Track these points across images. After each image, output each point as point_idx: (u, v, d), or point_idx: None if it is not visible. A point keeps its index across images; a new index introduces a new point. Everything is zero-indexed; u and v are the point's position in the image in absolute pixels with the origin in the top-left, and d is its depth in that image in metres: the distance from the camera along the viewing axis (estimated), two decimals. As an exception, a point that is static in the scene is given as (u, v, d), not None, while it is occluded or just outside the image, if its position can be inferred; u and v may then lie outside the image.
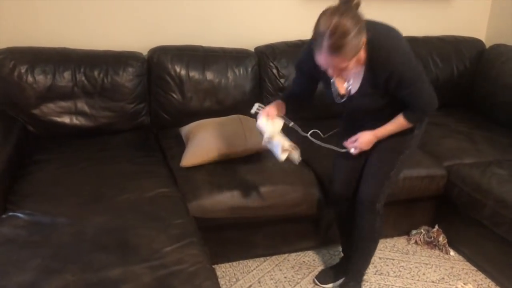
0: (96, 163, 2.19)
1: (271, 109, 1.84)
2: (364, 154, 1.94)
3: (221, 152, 2.27)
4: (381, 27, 1.68)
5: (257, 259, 2.39)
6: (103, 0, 2.59)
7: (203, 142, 2.31)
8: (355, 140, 1.87)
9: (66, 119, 2.46)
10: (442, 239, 2.48)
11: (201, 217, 2.04)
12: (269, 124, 1.81)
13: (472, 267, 2.38)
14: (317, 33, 1.52)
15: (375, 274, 2.33)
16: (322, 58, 1.54)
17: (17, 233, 1.67)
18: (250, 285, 2.22)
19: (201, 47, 2.72)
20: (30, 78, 2.37)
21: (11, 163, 2.07)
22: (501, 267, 2.22)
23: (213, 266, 1.67)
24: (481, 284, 2.28)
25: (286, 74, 2.76)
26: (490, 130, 2.73)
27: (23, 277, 1.46)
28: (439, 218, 2.54)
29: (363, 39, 1.54)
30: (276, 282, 2.25)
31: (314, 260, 2.42)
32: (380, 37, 1.64)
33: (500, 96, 2.81)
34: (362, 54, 1.64)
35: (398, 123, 1.82)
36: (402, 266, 2.37)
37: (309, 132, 1.88)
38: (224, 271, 2.30)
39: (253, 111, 1.89)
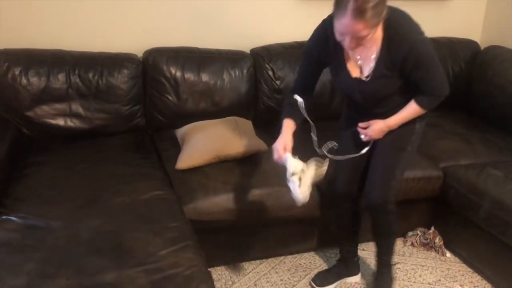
0: (91, 165, 2.17)
1: (286, 139, 1.81)
2: (366, 153, 1.94)
3: (216, 154, 2.26)
4: (396, 8, 1.67)
5: (253, 261, 2.38)
6: (98, 2, 2.58)
7: (198, 144, 2.31)
8: (367, 127, 1.88)
9: (60, 121, 2.44)
10: (438, 240, 2.48)
11: (197, 219, 2.03)
12: (296, 162, 1.77)
13: (469, 269, 2.38)
14: None
15: (371, 276, 2.33)
16: (344, 22, 1.51)
17: (10, 237, 1.65)
18: (246, 288, 2.22)
19: (197, 48, 2.72)
20: (24, 80, 2.36)
21: (5, 166, 2.06)
22: (497, 269, 2.22)
23: (209, 269, 1.66)
24: (478, 286, 2.28)
25: (282, 76, 2.76)
26: (485, 131, 2.74)
27: (17, 281, 1.44)
28: (435, 219, 2.54)
29: (385, 11, 1.54)
30: (272, 285, 2.24)
31: (310, 262, 2.41)
32: (397, 17, 1.66)
33: (496, 97, 2.81)
34: (379, 32, 1.65)
35: (410, 109, 1.82)
36: (399, 268, 2.37)
37: (325, 147, 1.92)
38: (220, 274, 2.29)
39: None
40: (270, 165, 2.27)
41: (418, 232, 2.54)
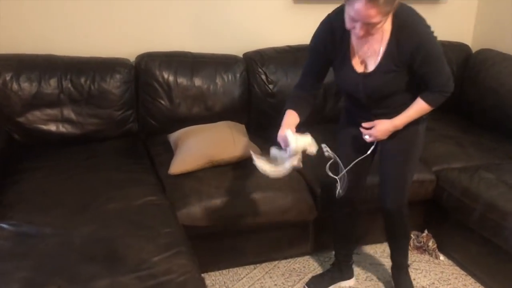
0: (83, 171, 2.16)
1: (289, 123, 1.76)
2: (371, 156, 1.93)
3: (210, 159, 2.25)
4: (404, 3, 1.67)
5: (247, 266, 2.37)
6: (90, 7, 2.57)
7: (191, 149, 2.30)
8: (371, 127, 1.85)
9: (52, 127, 2.43)
10: (431, 244, 2.49)
11: (190, 225, 2.02)
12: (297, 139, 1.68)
13: (462, 272, 2.39)
14: None
15: (365, 280, 2.33)
16: (357, 7, 1.49)
17: (1, 244, 1.64)
18: (240, 293, 2.21)
19: (190, 53, 2.71)
20: (15, 86, 2.34)
21: (-4, 172, 2.04)
22: (490, 272, 2.23)
23: (202, 274, 1.65)
24: (471, 289, 2.29)
25: (275, 80, 2.76)
26: (477, 134, 2.75)
27: (8, 290, 1.43)
28: (429, 223, 2.55)
29: (397, 1, 1.54)
30: (266, 290, 2.24)
31: (304, 266, 2.41)
32: (406, 10, 1.67)
33: (487, 100, 2.83)
34: (387, 25, 1.65)
35: (417, 107, 1.81)
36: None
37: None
38: (214, 279, 2.28)
39: (326, 154, 1.77)
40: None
41: (412, 235, 2.54)
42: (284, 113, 1.83)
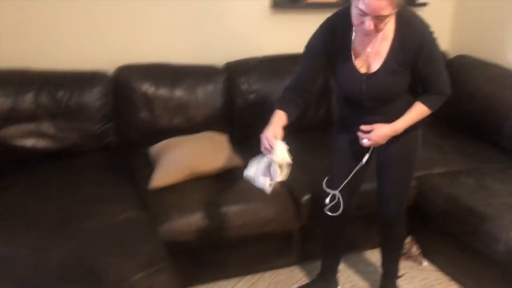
0: (61, 187, 2.11)
1: (276, 129, 1.70)
2: (366, 163, 1.91)
3: (191, 171, 2.23)
4: (405, 4, 1.68)
5: (232, 279, 2.35)
6: (67, 19, 2.54)
7: (172, 161, 2.27)
8: (370, 131, 1.82)
9: (29, 142, 2.37)
10: (415, 249, 2.50)
11: (172, 240, 2.00)
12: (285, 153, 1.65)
13: (446, 277, 2.39)
14: None
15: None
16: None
17: (-26, 268, 1.59)
18: (225, 307, 2.19)
19: (170, 64, 2.69)
20: (-11, 101, 2.30)
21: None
22: (472, 277, 2.24)
23: (186, 289, 1.63)
24: (455, 294, 2.30)
25: (257, 89, 2.75)
26: (457, 139, 2.78)
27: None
28: (412, 228, 2.55)
29: None
30: (251, 302, 2.22)
31: (289, 278, 2.39)
32: (409, 12, 1.69)
33: (466, 106, 2.85)
34: (391, 25, 1.66)
35: (417, 110, 1.80)
36: (376, 280, 2.36)
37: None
38: (198, 294, 2.26)
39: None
40: (245, 180, 2.26)
41: (396, 242, 2.55)
42: (273, 113, 1.79)
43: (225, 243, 2.21)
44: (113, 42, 2.66)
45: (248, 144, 2.65)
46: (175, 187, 2.19)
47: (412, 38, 1.68)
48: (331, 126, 2.82)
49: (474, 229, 2.11)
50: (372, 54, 1.72)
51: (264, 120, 2.78)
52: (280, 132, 1.69)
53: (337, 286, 2.29)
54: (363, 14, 1.54)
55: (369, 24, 1.55)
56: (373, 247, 2.58)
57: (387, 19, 1.56)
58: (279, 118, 1.75)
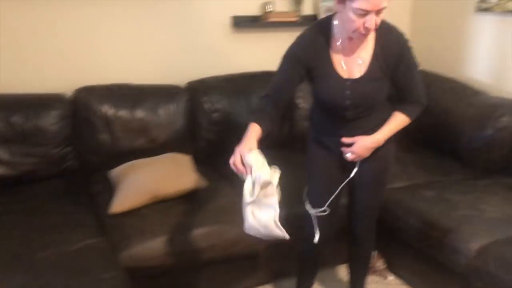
0: (16, 216, 2.03)
1: (251, 143, 1.64)
2: (345, 178, 1.89)
3: (153, 194, 2.19)
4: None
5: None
6: (24, 41, 2.48)
7: (133, 185, 2.23)
8: (351, 144, 1.81)
9: (-18, 170, 2.29)
10: (380, 264, 2.52)
11: (135, 266, 1.94)
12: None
13: (411, 290, 2.42)
14: None
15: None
16: None
17: None
18: (192, 332, 2.14)
19: (130, 85, 2.66)
20: None
21: None
22: (437, 289, 2.27)
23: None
24: (421, 307, 2.32)
25: (220, 108, 2.75)
26: (418, 153, 2.83)
27: None
28: (377, 243, 2.57)
29: None
30: (218, 326, 2.18)
31: (259, 297, 2.37)
32: (384, 21, 1.70)
33: (425, 120, 2.85)
34: (371, 33, 1.68)
35: (397, 120, 1.82)
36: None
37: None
38: (164, 319, 2.20)
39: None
40: (210, 201, 2.24)
41: (361, 256, 2.56)
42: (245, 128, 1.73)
43: (190, 267, 2.17)
44: (71, 64, 2.62)
45: (212, 164, 2.66)
46: (136, 212, 2.15)
47: (393, 45, 1.72)
48: (296, 143, 2.86)
49: (435, 242, 2.14)
50: (354, 62, 1.74)
51: (228, 139, 2.79)
52: (255, 147, 1.64)
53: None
54: (365, 13, 1.55)
55: (372, 20, 1.57)
56: (339, 263, 2.59)
57: (382, 14, 1.59)
58: (253, 131, 1.69)
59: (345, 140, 1.83)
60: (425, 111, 2.86)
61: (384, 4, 1.56)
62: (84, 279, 1.68)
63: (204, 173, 2.41)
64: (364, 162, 1.86)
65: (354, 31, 1.62)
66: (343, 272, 2.55)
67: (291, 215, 2.14)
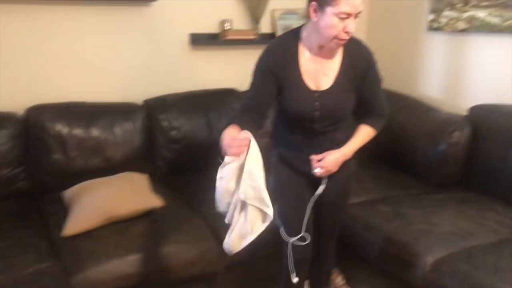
0: (-39, 242, 1.94)
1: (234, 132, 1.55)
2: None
3: (108, 215, 2.13)
4: None
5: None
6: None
7: (88, 205, 2.16)
8: (321, 160, 1.78)
9: None
10: (340, 280, 2.51)
11: (88, 290, 1.88)
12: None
13: (370, 305, 2.44)
14: None
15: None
16: None
17: None
18: None
19: (85, 103, 2.61)
20: None
21: None
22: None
23: None
24: (380, 322, 2.33)
25: (178, 126, 2.72)
26: (374, 168, 2.88)
27: None
28: (336, 259, 2.58)
29: None
30: None
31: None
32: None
33: (381, 135, 2.94)
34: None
35: (363, 132, 1.83)
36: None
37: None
38: None
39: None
40: (167, 221, 2.20)
41: (322, 273, 2.57)
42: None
43: (148, 289, 2.12)
44: (23, 82, 2.54)
45: (170, 183, 2.62)
46: (90, 234, 2.08)
47: (361, 57, 1.76)
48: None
49: (392, 256, 2.17)
50: (322, 73, 1.74)
51: (187, 157, 2.77)
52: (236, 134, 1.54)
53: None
54: (347, 16, 1.57)
55: (353, 24, 1.60)
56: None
57: (358, 18, 1.62)
58: (232, 129, 1.59)
59: (314, 157, 1.80)
60: (382, 127, 2.96)
61: (361, 8, 1.60)
62: (32, 306, 1.60)
63: (161, 192, 2.36)
64: (329, 181, 1.85)
65: (333, 38, 1.62)
66: (303, 289, 2.54)
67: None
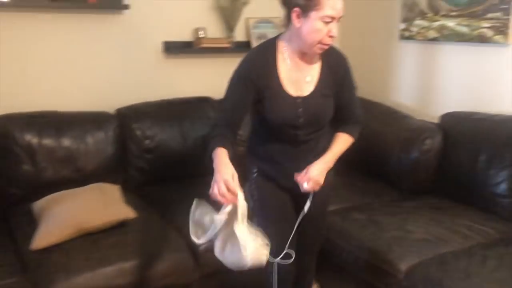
0: None
1: (231, 168, 1.52)
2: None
3: (78, 227, 2.08)
4: None
5: None
6: None
7: (58, 217, 2.11)
8: (305, 174, 1.73)
9: None
10: (316, 288, 2.52)
11: (57, 306, 1.83)
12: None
13: (346, 314, 2.44)
14: None
15: None
16: (338, 2, 1.59)
17: None
18: None
19: (55, 112, 2.56)
20: None
21: None
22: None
23: None
24: (356, 329, 2.33)
25: (152, 135, 2.69)
26: (348, 176, 2.89)
27: None
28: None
29: None
30: None
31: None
32: None
33: (355, 143, 2.99)
34: None
35: (342, 141, 1.81)
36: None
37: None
38: None
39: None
40: (139, 233, 2.16)
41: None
42: (210, 153, 1.60)
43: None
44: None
45: (143, 194, 2.59)
46: (60, 246, 2.03)
47: (339, 63, 1.77)
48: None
49: (366, 264, 2.18)
50: (303, 80, 1.73)
51: (161, 167, 2.74)
52: (234, 171, 1.52)
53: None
54: (331, 20, 1.58)
55: (336, 28, 1.61)
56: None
57: (339, 23, 1.63)
58: (225, 156, 1.57)
59: (299, 178, 1.74)
60: (358, 135, 2.98)
61: (342, 13, 1.61)
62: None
63: (134, 203, 2.33)
64: (304, 196, 1.79)
65: (318, 43, 1.63)
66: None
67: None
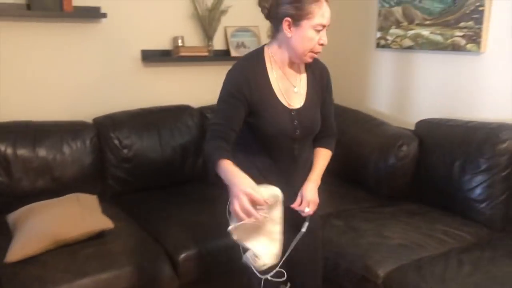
0: None
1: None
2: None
3: (54, 239, 2.05)
4: None
5: None
6: None
7: (33, 229, 2.07)
8: (303, 200, 1.71)
9: None
10: (296, 296, 2.52)
11: (32, 320, 1.79)
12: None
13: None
14: None
15: None
16: (327, 9, 1.60)
17: None
18: None
19: (30, 122, 2.52)
20: None
21: None
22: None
23: None
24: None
25: (129, 144, 2.68)
26: (326, 182, 2.88)
27: None
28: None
29: None
30: None
31: None
32: None
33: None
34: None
35: (323, 156, 1.81)
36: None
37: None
38: None
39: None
40: (117, 243, 2.14)
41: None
42: (214, 169, 1.52)
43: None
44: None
45: (121, 203, 2.56)
46: (36, 259, 1.99)
47: (322, 73, 1.78)
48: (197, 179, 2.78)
49: (345, 270, 2.19)
50: (291, 91, 1.71)
51: (139, 176, 2.71)
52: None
53: None
54: (322, 28, 1.60)
55: (326, 36, 1.62)
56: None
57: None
58: (237, 168, 1.50)
59: (297, 207, 1.72)
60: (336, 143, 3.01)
61: (329, 21, 1.63)
62: None
63: (112, 213, 2.30)
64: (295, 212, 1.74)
65: (309, 51, 1.63)
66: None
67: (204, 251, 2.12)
